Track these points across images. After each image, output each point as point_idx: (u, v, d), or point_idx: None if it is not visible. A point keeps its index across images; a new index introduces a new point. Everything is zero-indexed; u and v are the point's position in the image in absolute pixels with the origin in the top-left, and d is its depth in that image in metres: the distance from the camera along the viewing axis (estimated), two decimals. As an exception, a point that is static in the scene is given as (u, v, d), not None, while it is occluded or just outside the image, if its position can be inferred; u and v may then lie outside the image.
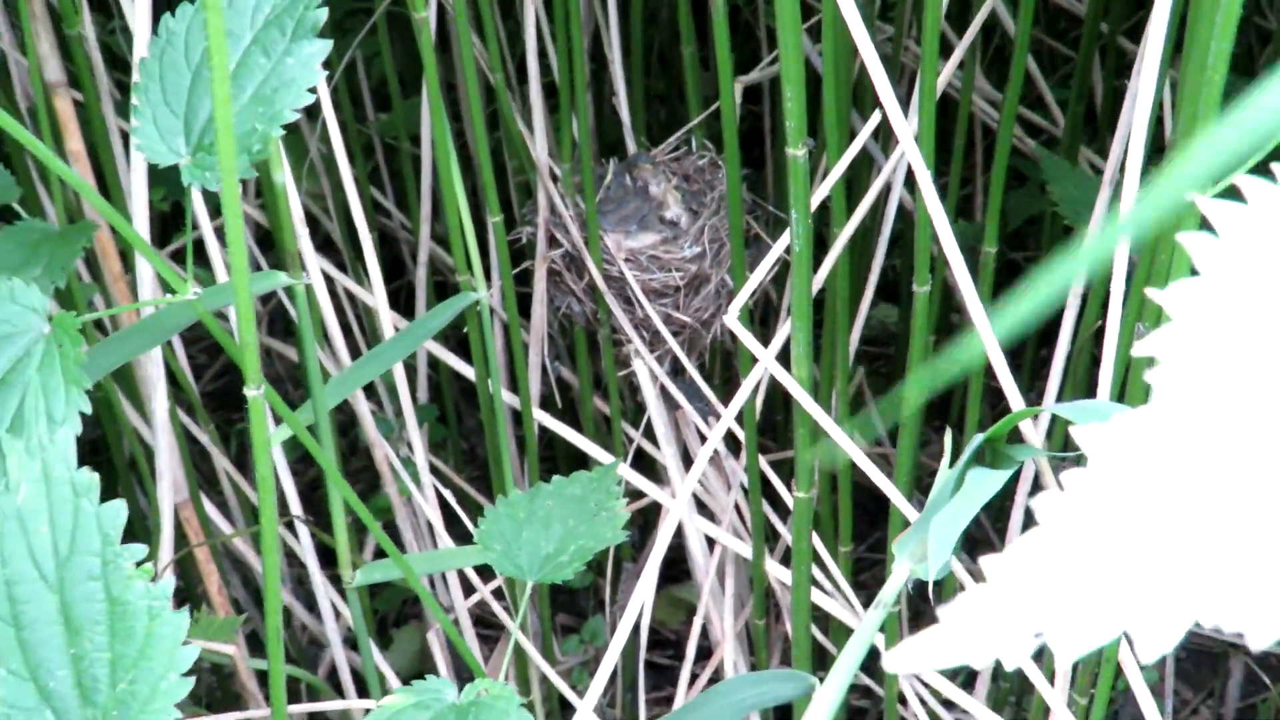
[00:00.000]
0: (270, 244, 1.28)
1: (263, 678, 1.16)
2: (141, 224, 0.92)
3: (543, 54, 1.23)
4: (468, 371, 1.21)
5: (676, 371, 1.25)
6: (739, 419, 1.06)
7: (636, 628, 1.30)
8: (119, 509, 0.58)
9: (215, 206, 1.03)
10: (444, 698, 0.74)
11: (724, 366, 1.38)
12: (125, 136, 1.09)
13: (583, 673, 1.40)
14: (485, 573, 1.21)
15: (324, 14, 0.61)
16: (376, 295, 1.14)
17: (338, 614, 1.22)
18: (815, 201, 0.90)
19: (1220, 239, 0.33)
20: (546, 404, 1.27)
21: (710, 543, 1.20)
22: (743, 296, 0.93)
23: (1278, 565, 0.32)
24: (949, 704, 1.16)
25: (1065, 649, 0.33)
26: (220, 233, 1.00)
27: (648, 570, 1.02)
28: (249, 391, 0.62)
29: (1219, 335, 0.33)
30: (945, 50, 1.21)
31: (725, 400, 1.18)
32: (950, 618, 0.34)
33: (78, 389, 0.59)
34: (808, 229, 0.82)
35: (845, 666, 0.72)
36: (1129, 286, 0.80)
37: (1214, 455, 0.33)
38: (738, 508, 1.20)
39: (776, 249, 0.93)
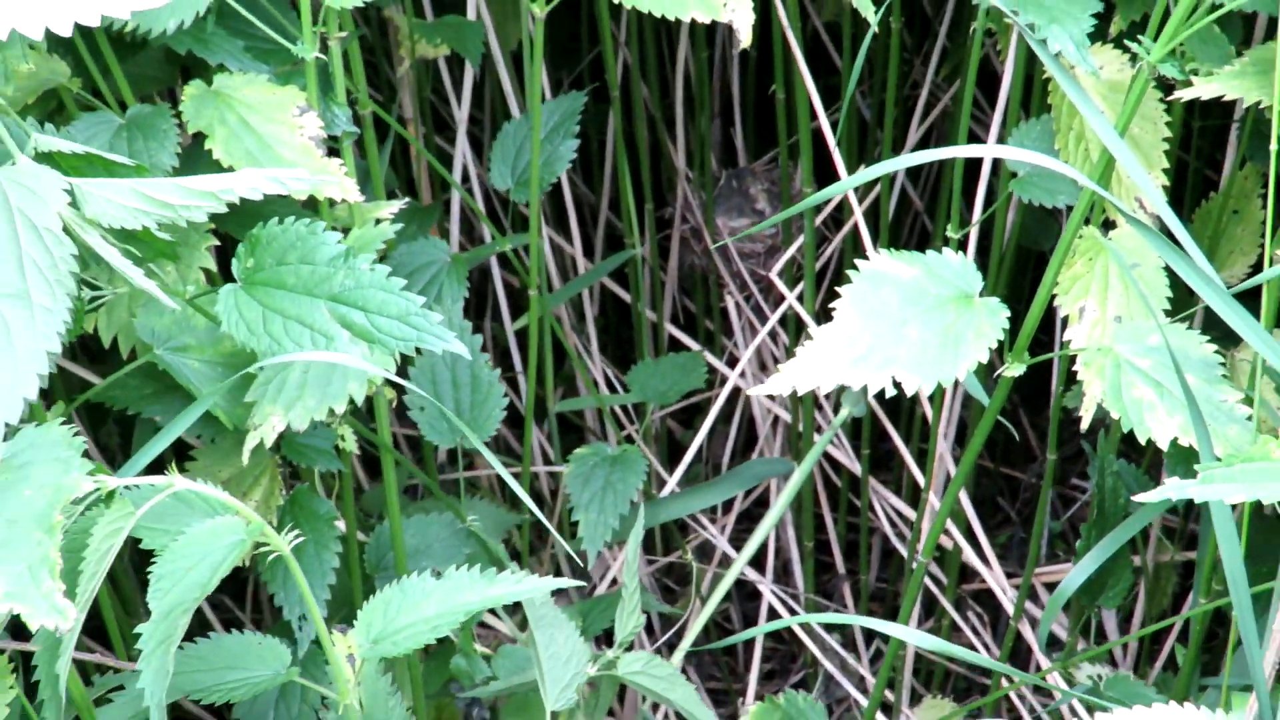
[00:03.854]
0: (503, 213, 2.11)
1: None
2: (454, 215, 1.77)
3: (688, 96, 2.04)
4: (626, 297, 2.03)
5: (758, 309, 2.05)
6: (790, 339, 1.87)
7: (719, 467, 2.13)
8: (478, 340, 1.42)
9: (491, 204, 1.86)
10: (606, 452, 1.57)
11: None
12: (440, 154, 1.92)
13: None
14: (628, 420, 2.04)
15: (577, 128, 1.44)
16: (575, 245, 1.97)
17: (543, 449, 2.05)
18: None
19: (865, 270, 1.14)
20: (674, 320, 2.10)
21: (768, 414, 2.02)
22: (782, 260, 1.75)
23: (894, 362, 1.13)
24: (904, 518, 1.97)
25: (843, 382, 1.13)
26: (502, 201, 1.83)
27: (733, 431, 1.86)
28: (531, 291, 1.46)
29: (858, 300, 1.14)
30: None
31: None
32: (788, 368, 1.15)
33: (461, 288, 1.43)
34: (812, 229, 1.63)
35: (811, 456, 1.53)
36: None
37: (861, 326, 1.13)
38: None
39: (799, 239, 1.74)
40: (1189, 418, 1.09)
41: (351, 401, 1.15)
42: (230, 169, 1.14)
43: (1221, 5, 1.09)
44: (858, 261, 1.16)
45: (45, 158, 0.92)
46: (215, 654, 1.04)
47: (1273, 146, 1.04)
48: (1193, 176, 1.74)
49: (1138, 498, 0.82)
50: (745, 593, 2.18)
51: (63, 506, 0.81)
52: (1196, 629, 1.37)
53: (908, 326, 1.13)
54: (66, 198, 0.88)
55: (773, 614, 1.96)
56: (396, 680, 1.34)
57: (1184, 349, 1.15)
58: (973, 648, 1.94)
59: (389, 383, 1.32)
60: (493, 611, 1.62)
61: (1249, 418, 1.12)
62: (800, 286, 1.76)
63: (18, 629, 1.25)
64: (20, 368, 0.86)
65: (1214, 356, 1.15)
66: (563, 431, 2.17)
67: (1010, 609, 1.80)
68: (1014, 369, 1.22)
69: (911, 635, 1.22)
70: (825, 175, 1.90)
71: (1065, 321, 1.23)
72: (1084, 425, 1.19)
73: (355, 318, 0.97)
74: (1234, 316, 1.04)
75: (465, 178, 1.86)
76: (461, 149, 1.78)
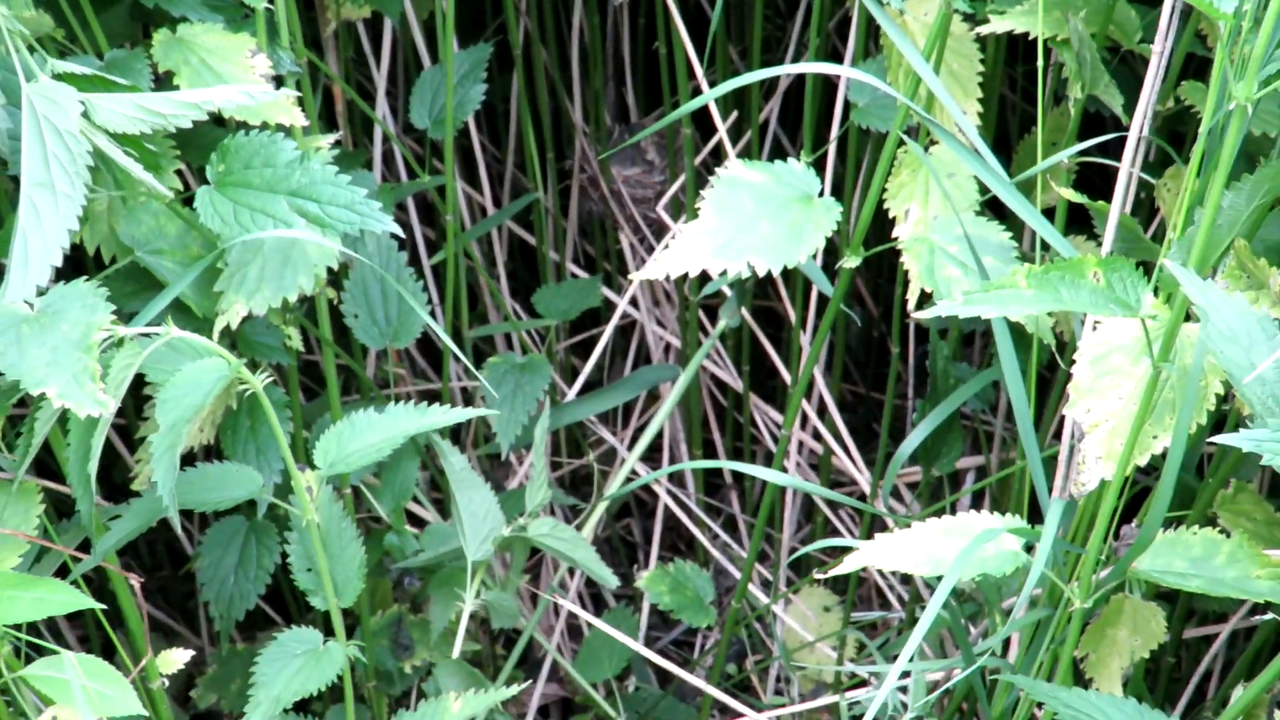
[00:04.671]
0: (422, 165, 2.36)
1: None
2: (376, 168, 2.02)
3: (583, 59, 2.30)
4: (532, 241, 2.29)
5: (651, 249, 2.31)
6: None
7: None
8: (403, 256, 1.67)
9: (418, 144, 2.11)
10: (515, 360, 1.83)
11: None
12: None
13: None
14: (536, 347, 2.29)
15: (484, 74, 1.70)
16: (485, 195, 2.23)
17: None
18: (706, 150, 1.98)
19: (724, 177, 1.41)
20: (575, 261, 2.35)
21: (660, 341, 2.28)
22: (666, 197, 2.01)
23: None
24: (778, 425, 2.24)
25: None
26: (417, 157, 2.08)
27: (629, 362, 2.12)
28: (448, 218, 1.71)
29: (717, 201, 1.40)
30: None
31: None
32: (662, 257, 1.41)
33: (389, 213, 1.67)
34: (693, 169, 1.89)
35: (695, 361, 1.80)
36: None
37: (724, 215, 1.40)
38: (679, 321, 2.28)
39: (682, 177, 2.01)
40: (985, 289, 1.36)
41: (300, 300, 1.39)
42: (196, 101, 1.39)
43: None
44: (717, 169, 1.42)
45: (60, 78, 1.16)
46: (202, 480, 1.28)
47: (1039, 63, 1.32)
48: (1019, 116, 2.03)
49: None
50: (645, 511, 2.44)
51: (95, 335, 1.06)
52: (1017, 487, 1.65)
53: (759, 222, 1.40)
54: (81, 107, 1.13)
55: (669, 515, 2.22)
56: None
57: (984, 237, 1.43)
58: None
59: (330, 284, 1.57)
60: (419, 502, 1.87)
61: (1035, 288, 1.39)
62: (683, 218, 2.02)
63: (42, 468, 1.48)
64: (48, 240, 1.10)
65: (1010, 243, 1.43)
66: (477, 364, 2.43)
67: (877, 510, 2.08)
68: (851, 260, 1.49)
69: (772, 475, 1.48)
70: (705, 125, 2.16)
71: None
72: (910, 304, 1.46)
73: (310, 208, 1.22)
74: (1012, 199, 1.31)
75: (385, 137, 2.11)
76: (382, 111, 2.03)
